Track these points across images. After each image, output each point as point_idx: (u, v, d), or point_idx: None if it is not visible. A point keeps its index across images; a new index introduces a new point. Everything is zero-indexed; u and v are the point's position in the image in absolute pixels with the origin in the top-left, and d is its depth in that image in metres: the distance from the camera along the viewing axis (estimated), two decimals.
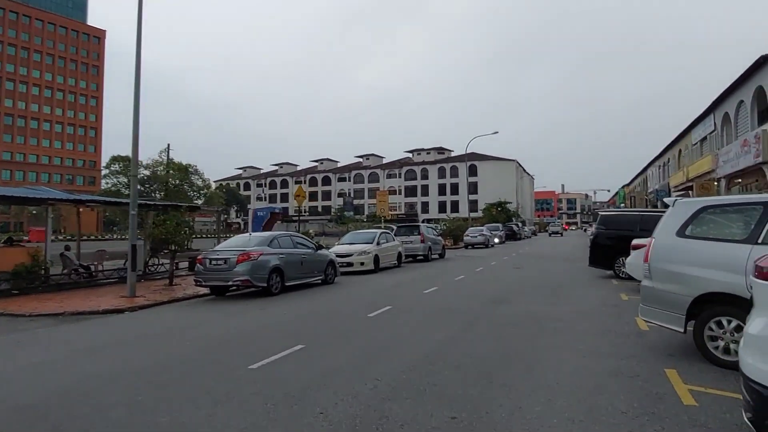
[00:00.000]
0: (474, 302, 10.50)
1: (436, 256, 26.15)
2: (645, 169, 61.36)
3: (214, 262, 12.09)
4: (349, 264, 18.12)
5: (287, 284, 12.98)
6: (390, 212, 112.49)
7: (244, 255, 11.91)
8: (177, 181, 32.34)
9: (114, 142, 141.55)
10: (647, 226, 14.16)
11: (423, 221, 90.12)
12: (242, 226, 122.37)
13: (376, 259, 18.71)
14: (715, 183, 28.95)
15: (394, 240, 21.32)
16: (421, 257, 24.09)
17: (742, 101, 24.92)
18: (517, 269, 18.44)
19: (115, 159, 41.87)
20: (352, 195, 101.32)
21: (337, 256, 18.13)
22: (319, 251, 14.72)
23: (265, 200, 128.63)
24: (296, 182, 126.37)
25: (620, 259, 14.47)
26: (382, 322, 8.55)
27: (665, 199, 6.81)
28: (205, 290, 12.83)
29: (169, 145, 34.89)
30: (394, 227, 26.54)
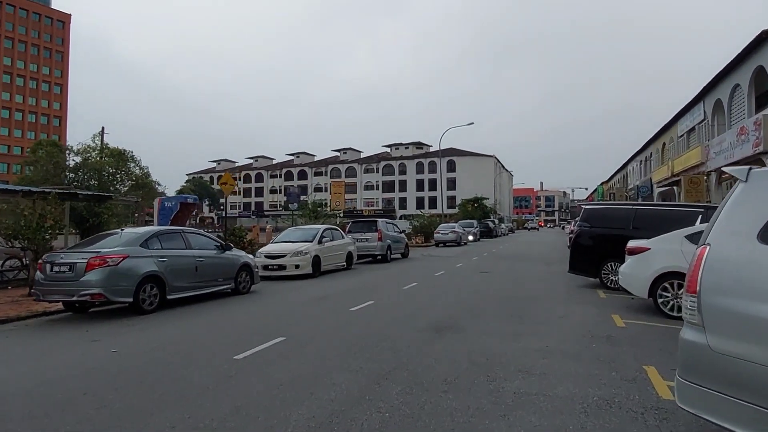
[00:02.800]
0: (408, 330, 7.35)
1: (398, 256, 23.04)
2: (625, 165, 59.10)
3: (56, 269, 8.72)
4: (281, 267, 14.87)
5: (171, 297, 9.68)
6: (370, 208, 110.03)
7: (98, 259, 8.57)
8: (111, 170, 28.60)
9: (80, 131, 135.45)
10: (643, 224, 11.19)
11: (400, 217, 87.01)
12: (216, 221, 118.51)
13: (316, 260, 15.46)
14: (705, 177, 26.39)
15: (343, 237, 18.11)
16: (379, 257, 20.94)
17: (737, 85, 22.24)
18: (484, 274, 15.37)
19: (39, 144, 37.57)
20: (297, 187, 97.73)
21: (266, 257, 14.95)
22: (226, 252, 11.43)
23: (240, 194, 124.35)
24: (271, 176, 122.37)
25: (608, 265, 11.53)
26: (245, 373, 5.34)
27: (727, 169, 3.67)
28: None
29: (103, 128, 31.03)
30: (350, 222, 23.30)
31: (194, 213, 21.65)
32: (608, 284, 11.49)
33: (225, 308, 9.81)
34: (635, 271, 8.55)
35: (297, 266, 14.86)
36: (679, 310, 7.97)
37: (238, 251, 12.32)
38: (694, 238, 8.08)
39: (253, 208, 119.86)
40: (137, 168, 29.37)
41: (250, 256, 12.51)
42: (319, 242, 16.04)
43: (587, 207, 12.33)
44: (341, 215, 76.70)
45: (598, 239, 11.84)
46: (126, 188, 29.61)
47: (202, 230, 12.41)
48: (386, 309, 9.29)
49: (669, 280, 8.10)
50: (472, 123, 47.15)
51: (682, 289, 8.19)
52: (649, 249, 8.45)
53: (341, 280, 14.59)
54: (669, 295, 8.08)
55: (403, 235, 23.96)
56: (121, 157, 28.17)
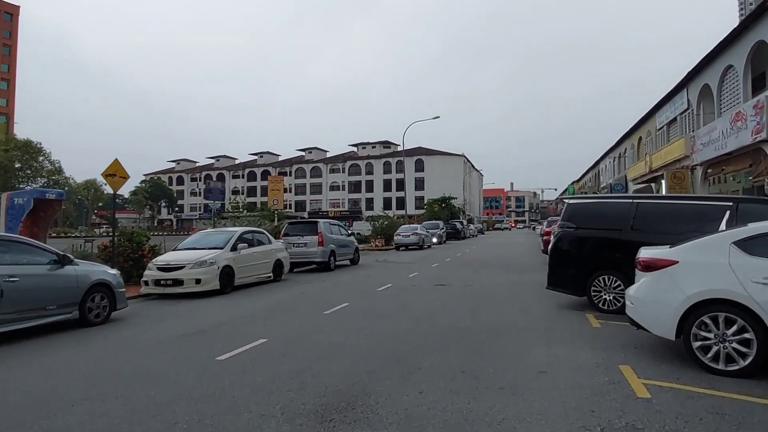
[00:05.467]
0: (273, 416, 4.07)
1: (346, 262, 19.79)
2: (597, 163, 57.14)
3: None
4: (177, 282, 11.43)
5: None
6: (335, 209, 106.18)
7: None
8: (18, 164, 24.55)
9: (28, 129, 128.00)
10: (646, 224, 8.10)
11: (367, 218, 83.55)
12: (174, 224, 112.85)
13: (227, 272, 12.07)
14: (690, 171, 23.94)
15: (270, 242, 14.72)
16: (320, 265, 17.64)
17: (730, 66, 19.74)
18: (440, 288, 12.23)
19: None
20: (218, 181, 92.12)
21: (159, 269, 11.50)
22: (66, 267, 7.96)
23: (200, 195, 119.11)
24: (233, 177, 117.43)
25: (600, 279, 8.53)
26: None
27: None
28: None
29: (8, 116, 26.68)
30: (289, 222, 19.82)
31: (60, 210, 17.81)
32: (600, 305, 8.49)
33: (26, 356, 6.35)
34: (655, 297, 5.48)
35: (198, 280, 11.44)
36: (729, 360, 4.95)
37: (90, 265, 8.82)
38: (749, 246, 5.07)
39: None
40: (47, 162, 25.29)
41: (113, 271, 9.03)
42: (233, 249, 12.65)
43: (572, 202, 9.26)
44: (304, 217, 72.78)
45: (587, 245, 8.82)
46: (38, 185, 25.57)
47: (28, 238, 8.78)
48: (274, 356, 6.00)
49: (711, 311, 5.06)
50: (438, 117, 44.19)
51: (733, 328, 5.18)
52: (677, 262, 5.39)
53: (254, 298, 11.23)
54: (711, 336, 5.04)
55: (352, 238, 20.69)
56: (28, 150, 24.06)
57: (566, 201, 9.40)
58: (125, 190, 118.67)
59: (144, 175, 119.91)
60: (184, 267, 11.52)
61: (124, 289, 9.02)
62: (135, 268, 13.53)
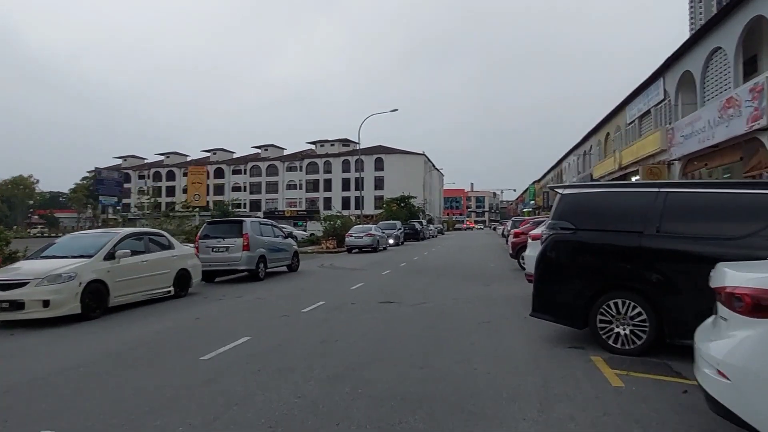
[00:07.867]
0: None
1: (283, 269, 16.72)
2: (560, 162, 55.67)
3: None
4: (18, 304, 8.09)
5: None
6: (292, 208, 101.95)
7: None
8: None
9: None
10: (681, 223, 5.26)
11: (324, 218, 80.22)
12: (122, 224, 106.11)
13: (95, 290, 8.79)
14: (667, 167, 21.93)
15: (172, 246, 11.46)
16: (249, 272, 14.49)
17: (717, 49, 17.65)
18: (385, 308, 9.32)
19: None
20: (117, 171, 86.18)
21: None
22: None
23: (148, 194, 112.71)
24: (183, 174, 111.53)
25: (611, 304, 5.80)
26: None
27: None
28: None
29: None
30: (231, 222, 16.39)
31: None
32: (611, 341, 5.78)
33: None
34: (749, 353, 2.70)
35: (46, 303, 8.13)
36: None
37: None
38: None
39: (163, 208, 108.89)
40: None
41: None
42: (109, 257, 9.36)
43: (568, 192, 6.48)
44: (260, 215, 68.55)
45: (591, 255, 6.09)
46: None
47: None
48: None
49: None
50: (396, 110, 41.53)
51: None
52: None
53: (123, 328, 8.02)
54: None
55: (290, 240, 17.56)
56: None
57: (560, 191, 6.60)
58: (65, 187, 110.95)
59: (88, 172, 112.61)
60: (27, 284, 8.20)
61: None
62: None
